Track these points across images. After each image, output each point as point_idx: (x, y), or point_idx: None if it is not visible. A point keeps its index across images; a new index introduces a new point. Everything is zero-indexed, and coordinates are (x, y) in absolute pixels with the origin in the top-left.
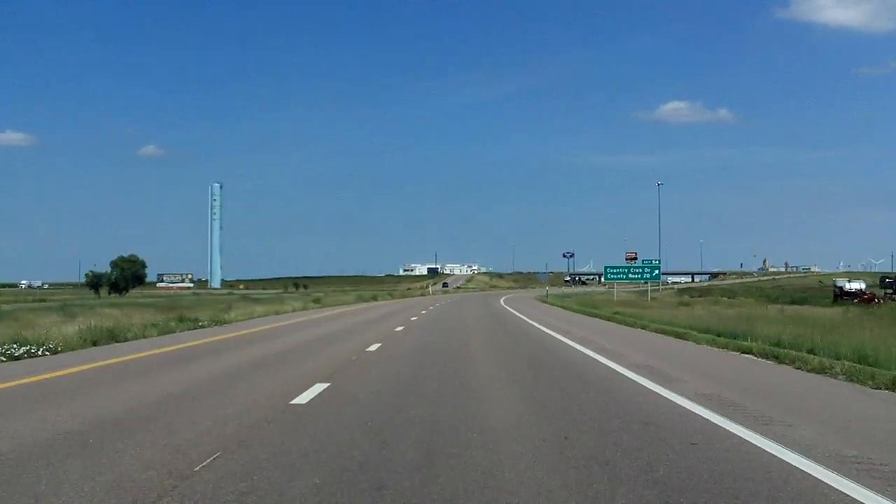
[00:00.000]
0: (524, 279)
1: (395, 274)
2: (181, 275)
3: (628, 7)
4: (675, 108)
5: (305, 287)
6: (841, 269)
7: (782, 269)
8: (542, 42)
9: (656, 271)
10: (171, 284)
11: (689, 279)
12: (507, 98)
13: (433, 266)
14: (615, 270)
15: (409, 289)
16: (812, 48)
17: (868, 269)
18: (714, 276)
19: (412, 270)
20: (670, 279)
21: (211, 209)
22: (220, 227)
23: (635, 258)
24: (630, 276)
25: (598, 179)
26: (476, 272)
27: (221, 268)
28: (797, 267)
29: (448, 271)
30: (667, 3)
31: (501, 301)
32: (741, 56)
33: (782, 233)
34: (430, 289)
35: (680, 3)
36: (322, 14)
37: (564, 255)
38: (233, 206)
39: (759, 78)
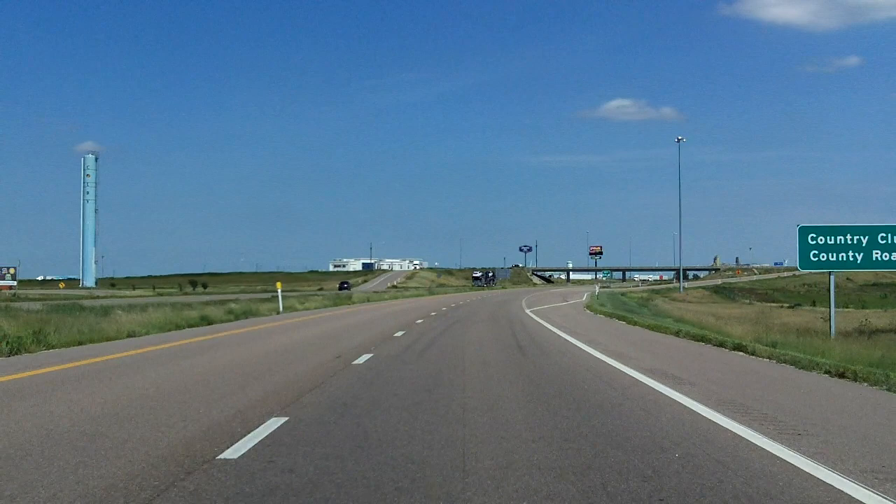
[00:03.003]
0: None
1: (322, 270)
2: (2, 269)
3: (571, 5)
4: (619, 106)
5: (204, 286)
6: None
7: (732, 266)
8: (485, 41)
9: None
10: None
11: (657, 276)
12: (449, 96)
13: (368, 261)
14: (831, 245)
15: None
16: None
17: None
18: (683, 273)
19: (344, 266)
20: (636, 276)
21: (83, 187)
22: (95, 211)
23: (600, 252)
24: (874, 257)
25: (548, 177)
26: (419, 267)
27: (96, 262)
28: (747, 264)
29: (387, 266)
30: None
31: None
32: (686, 53)
33: (729, 231)
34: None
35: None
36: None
37: (521, 250)
38: (146, 199)
39: (704, 76)
